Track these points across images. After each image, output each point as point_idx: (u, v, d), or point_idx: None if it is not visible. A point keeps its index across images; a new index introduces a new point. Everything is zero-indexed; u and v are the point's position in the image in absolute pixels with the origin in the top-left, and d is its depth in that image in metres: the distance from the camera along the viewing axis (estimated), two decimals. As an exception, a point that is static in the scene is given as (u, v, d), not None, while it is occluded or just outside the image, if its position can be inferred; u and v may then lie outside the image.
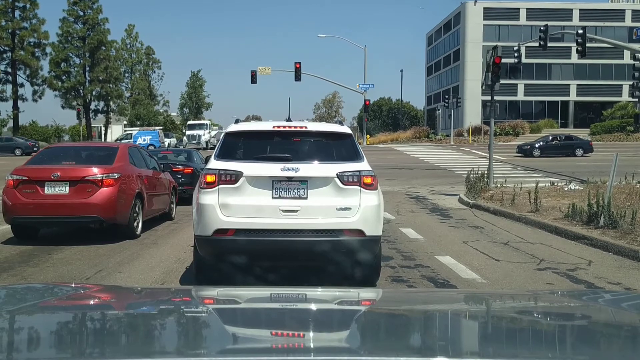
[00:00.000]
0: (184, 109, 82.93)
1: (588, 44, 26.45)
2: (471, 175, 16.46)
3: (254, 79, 48.33)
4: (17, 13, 56.78)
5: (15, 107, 58.03)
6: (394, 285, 6.69)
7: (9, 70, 57.16)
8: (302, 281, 6.37)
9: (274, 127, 6.54)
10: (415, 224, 11.68)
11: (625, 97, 61.97)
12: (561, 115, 72.34)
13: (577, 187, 16.14)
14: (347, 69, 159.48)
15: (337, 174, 5.99)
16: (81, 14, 61.30)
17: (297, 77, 47.35)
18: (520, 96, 72.35)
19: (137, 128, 55.92)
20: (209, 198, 5.98)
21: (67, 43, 61.06)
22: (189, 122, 60.97)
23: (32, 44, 57.61)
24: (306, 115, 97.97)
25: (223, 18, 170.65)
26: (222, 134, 6.86)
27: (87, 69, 62.03)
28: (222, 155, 6.28)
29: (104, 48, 62.33)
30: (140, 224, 10.08)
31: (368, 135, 63.20)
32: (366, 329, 2.07)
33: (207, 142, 50.74)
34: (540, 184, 14.38)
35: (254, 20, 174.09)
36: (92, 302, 2.45)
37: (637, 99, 25.89)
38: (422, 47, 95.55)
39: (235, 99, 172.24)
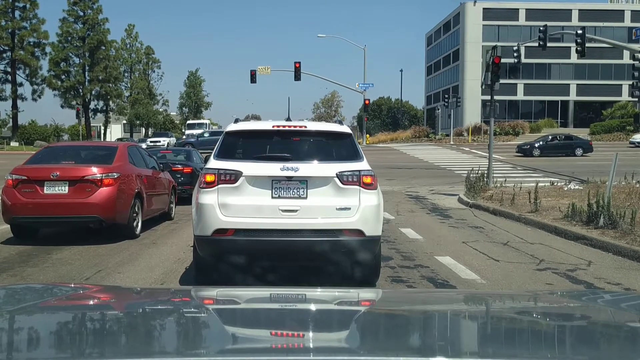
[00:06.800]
0: (184, 108, 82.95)
1: (587, 44, 26.46)
2: (471, 175, 16.46)
3: (253, 78, 48.32)
4: (17, 13, 56.76)
5: (15, 106, 58.00)
6: (393, 285, 6.69)
7: (9, 69, 57.10)
8: (302, 281, 6.37)
9: (273, 126, 6.53)
10: (414, 224, 11.68)
11: (625, 96, 62.03)
12: (561, 115, 72.37)
13: (576, 187, 16.14)
14: (346, 68, 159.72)
15: (336, 174, 5.99)
16: (81, 14, 61.30)
17: (297, 76, 47.34)
18: (520, 96, 72.38)
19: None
20: (209, 198, 5.97)
21: (66, 43, 61.05)
22: (188, 122, 61.01)
23: (31, 43, 57.55)
24: (306, 115, 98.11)
25: (223, 18, 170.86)
26: (222, 134, 6.85)
27: (87, 68, 61.99)
28: (222, 154, 6.27)
29: (103, 48, 62.30)
30: (139, 224, 10.07)
31: (368, 135, 63.21)
32: (366, 329, 2.06)
33: (206, 142, 50.61)
34: (540, 184, 14.38)
35: (254, 20, 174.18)
36: (91, 302, 2.45)
37: (636, 99, 25.89)
38: (422, 47, 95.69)
39: (235, 98, 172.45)
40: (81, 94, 61.59)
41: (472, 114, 63.64)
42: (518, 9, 72.18)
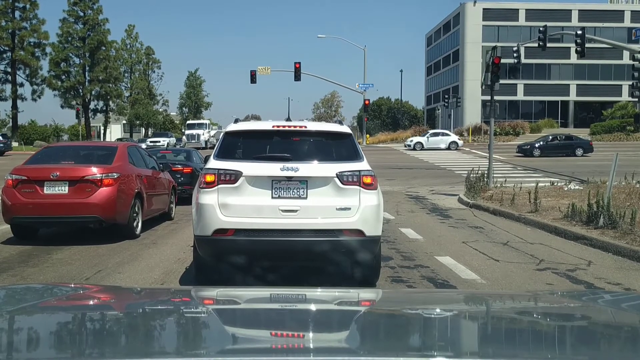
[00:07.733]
0: (183, 108, 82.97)
1: (587, 45, 26.50)
2: (471, 175, 16.45)
3: (253, 78, 48.34)
4: (17, 13, 56.67)
5: (15, 106, 57.92)
6: (393, 285, 6.69)
7: (9, 70, 57.04)
8: (302, 281, 6.37)
9: (273, 126, 6.53)
10: (414, 224, 11.68)
11: (625, 97, 61.97)
12: (561, 115, 72.38)
13: (577, 187, 16.14)
14: (346, 69, 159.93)
15: (336, 174, 5.99)
16: (81, 14, 61.28)
17: (297, 77, 47.35)
18: (520, 96, 72.38)
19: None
20: (209, 198, 5.97)
21: (67, 43, 61.02)
22: (188, 122, 61.01)
23: (32, 44, 57.48)
24: (305, 115, 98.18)
25: (223, 18, 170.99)
26: (222, 134, 6.85)
27: (87, 68, 61.97)
28: (222, 154, 6.27)
29: (103, 48, 62.29)
30: (139, 224, 10.07)
31: (368, 135, 63.22)
32: (366, 329, 2.06)
33: (206, 142, 50.73)
34: (540, 184, 14.37)
35: (254, 20, 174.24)
36: (91, 302, 2.45)
37: (636, 99, 25.90)
38: (422, 47, 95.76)
39: (235, 99, 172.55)
40: (81, 94, 61.56)
41: (472, 114, 63.63)
42: (518, 9, 72.19)
